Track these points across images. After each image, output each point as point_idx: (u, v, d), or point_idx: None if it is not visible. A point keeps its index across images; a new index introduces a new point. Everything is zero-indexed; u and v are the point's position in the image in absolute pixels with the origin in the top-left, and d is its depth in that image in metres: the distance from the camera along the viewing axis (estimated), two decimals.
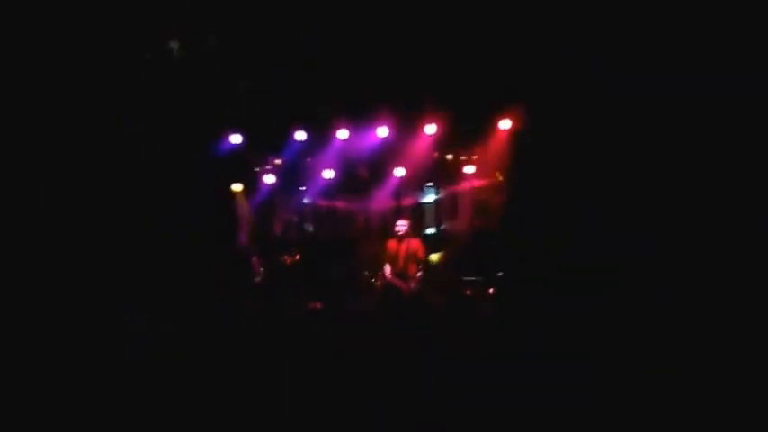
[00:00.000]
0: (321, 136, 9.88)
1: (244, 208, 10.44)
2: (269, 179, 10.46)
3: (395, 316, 8.12)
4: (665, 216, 7.14)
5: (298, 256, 9.83)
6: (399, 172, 10.14)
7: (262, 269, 9.21)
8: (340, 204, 10.72)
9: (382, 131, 9.60)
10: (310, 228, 10.93)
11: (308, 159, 10.29)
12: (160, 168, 8.31)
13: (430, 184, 10.37)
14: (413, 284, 9.03)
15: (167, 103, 7.73)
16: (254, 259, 9.33)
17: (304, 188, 10.72)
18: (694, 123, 7.21)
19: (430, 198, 10.64)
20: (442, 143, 9.86)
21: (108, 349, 6.01)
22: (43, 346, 5.78)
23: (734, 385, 4.19)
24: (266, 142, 10.03)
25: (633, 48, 7.46)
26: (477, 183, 10.14)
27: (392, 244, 9.46)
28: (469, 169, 9.99)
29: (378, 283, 9.48)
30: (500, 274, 8.93)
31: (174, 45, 7.28)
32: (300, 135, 9.77)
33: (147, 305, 7.07)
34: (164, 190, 8.43)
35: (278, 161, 10.38)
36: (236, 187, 10.42)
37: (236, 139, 9.61)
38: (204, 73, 7.77)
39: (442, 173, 10.38)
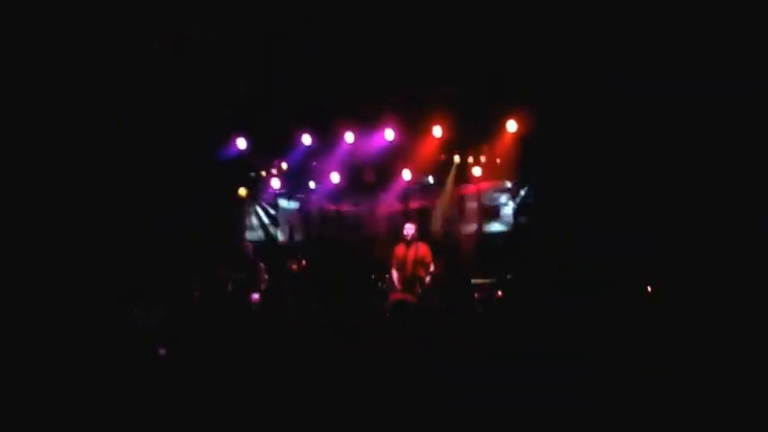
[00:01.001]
0: (327, 139, 9.83)
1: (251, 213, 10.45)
2: (275, 183, 10.42)
3: (402, 321, 8.01)
4: (670, 217, 7.08)
5: (304, 262, 9.74)
6: (406, 175, 10.06)
7: (266, 276, 9.12)
8: (346, 208, 10.64)
9: (389, 134, 9.53)
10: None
11: (314, 163, 10.23)
12: (168, 172, 8.31)
13: (431, 180, 10.25)
14: (420, 290, 8.92)
15: (171, 106, 7.72)
16: (261, 266, 9.26)
17: (310, 192, 10.65)
18: (700, 126, 7.16)
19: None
20: (448, 146, 9.79)
21: (112, 348, 5.99)
22: (49, 345, 5.76)
23: (734, 385, 4.09)
24: (272, 146, 10.01)
25: (638, 51, 7.41)
26: (484, 185, 10.04)
27: (400, 249, 9.34)
28: (477, 172, 9.89)
29: (385, 287, 9.39)
30: (509, 276, 8.81)
31: None
32: (306, 139, 9.72)
33: (151, 306, 7.05)
34: (171, 194, 8.44)
35: (284, 165, 10.31)
36: (242, 192, 10.41)
37: (241, 143, 9.58)
38: (208, 75, 7.76)
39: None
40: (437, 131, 9.42)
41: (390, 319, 8.23)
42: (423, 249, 9.19)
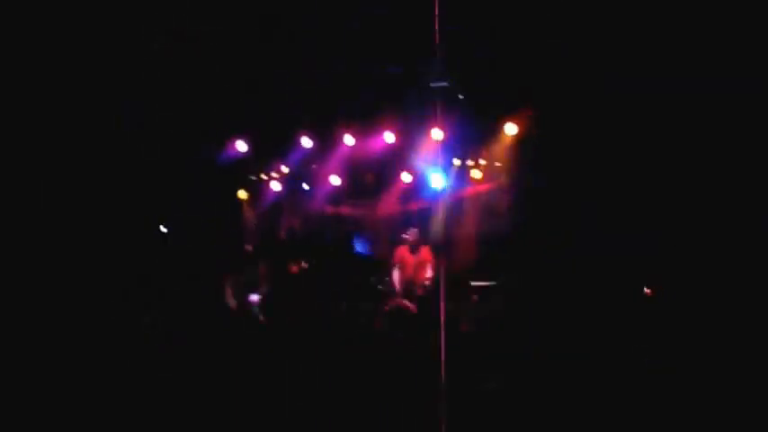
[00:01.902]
0: (327, 142, 9.84)
1: (249, 216, 10.41)
2: (275, 186, 10.40)
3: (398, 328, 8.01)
4: (670, 217, 7.07)
5: (304, 264, 9.72)
6: (406, 178, 10.07)
7: (267, 278, 9.10)
8: (346, 211, 10.62)
9: (388, 137, 9.53)
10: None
11: (314, 166, 10.23)
12: (167, 173, 8.31)
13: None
14: (421, 292, 8.91)
15: (170, 107, 7.72)
16: (261, 267, 9.24)
17: (310, 195, 10.63)
18: (700, 126, 7.16)
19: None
20: (448, 148, 9.79)
21: (113, 349, 6.00)
22: (49, 346, 5.77)
23: (734, 385, 4.09)
24: (272, 149, 10.00)
25: (640, 52, 7.41)
26: (483, 187, 10.04)
27: (402, 251, 9.35)
28: (476, 174, 9.91)
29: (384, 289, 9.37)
30: (509, 278, 8.81)
31: None
32: (306, 141, 9.72)
33: (155, 307, 7.07)
34: (171, 195, 8.44)
35: (284, 168, 10.30)
36: (242, 194, 10.40)
37: (241, 146, 9.58)
38: (208, 76, 7.75)
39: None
40: (436, 134, 9.43)
41: (387, 325, 8.25)
42: (424, 252, 9.22)
